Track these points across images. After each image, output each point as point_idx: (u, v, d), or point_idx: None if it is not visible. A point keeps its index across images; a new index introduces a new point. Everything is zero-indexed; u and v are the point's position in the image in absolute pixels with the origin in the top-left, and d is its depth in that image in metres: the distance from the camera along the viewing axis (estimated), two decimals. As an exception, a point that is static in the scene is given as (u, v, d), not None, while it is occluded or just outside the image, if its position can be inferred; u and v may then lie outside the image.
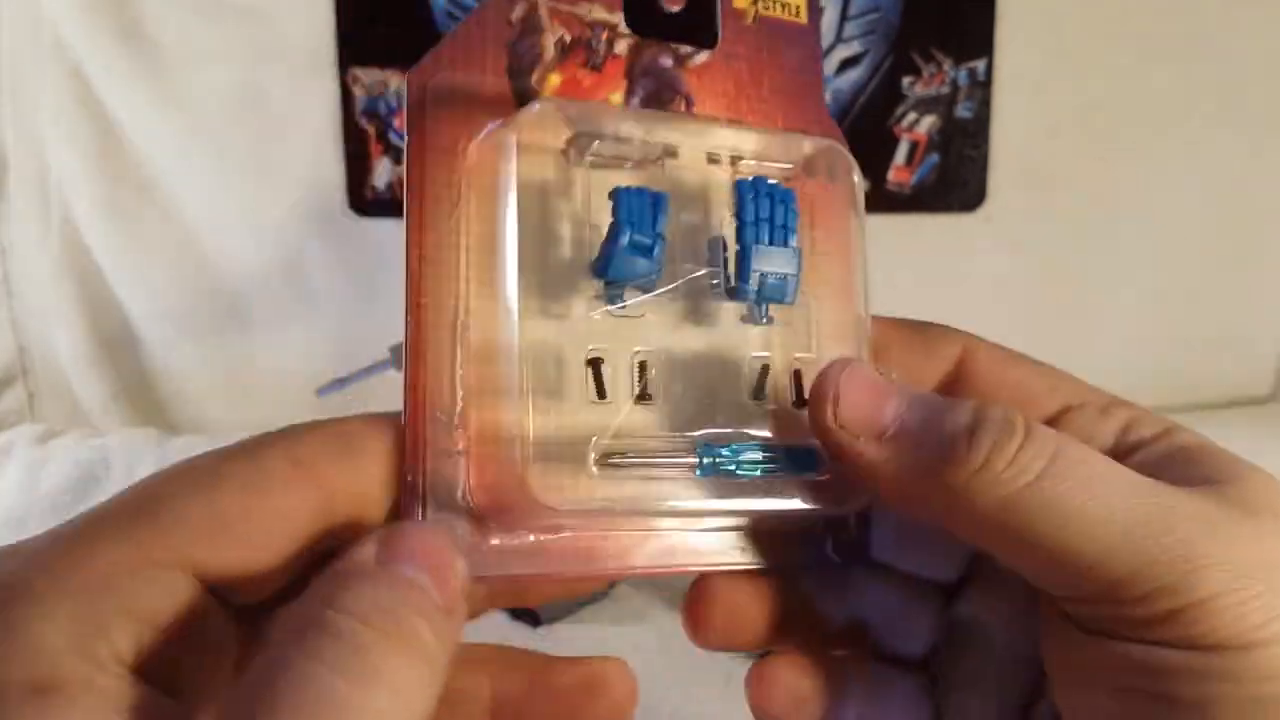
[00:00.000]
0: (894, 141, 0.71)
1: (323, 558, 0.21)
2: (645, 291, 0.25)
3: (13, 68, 0.72)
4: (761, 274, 0.25)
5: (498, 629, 0.53)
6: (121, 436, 0.71)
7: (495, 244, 0.24)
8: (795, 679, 0.29)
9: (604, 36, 0.26)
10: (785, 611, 0.29)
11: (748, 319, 0.27)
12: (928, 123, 0.71)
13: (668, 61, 0.27)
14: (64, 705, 0.16)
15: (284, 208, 0.73)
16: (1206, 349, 0.77)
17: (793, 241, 0.26)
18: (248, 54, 0.71)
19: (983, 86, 0.71)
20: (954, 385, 0.28)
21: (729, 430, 0.26)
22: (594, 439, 0.24)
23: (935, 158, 0.72)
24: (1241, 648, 0.20)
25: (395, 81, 0.71)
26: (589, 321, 0.25)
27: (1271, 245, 0.75)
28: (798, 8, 0.29)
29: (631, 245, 0.24)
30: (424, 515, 0.23)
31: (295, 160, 0.72)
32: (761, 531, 0.27)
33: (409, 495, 0.23)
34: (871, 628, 0.29)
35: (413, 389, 0.23)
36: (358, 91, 0.71)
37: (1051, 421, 0.26)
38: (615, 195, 0.24)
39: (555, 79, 0.26)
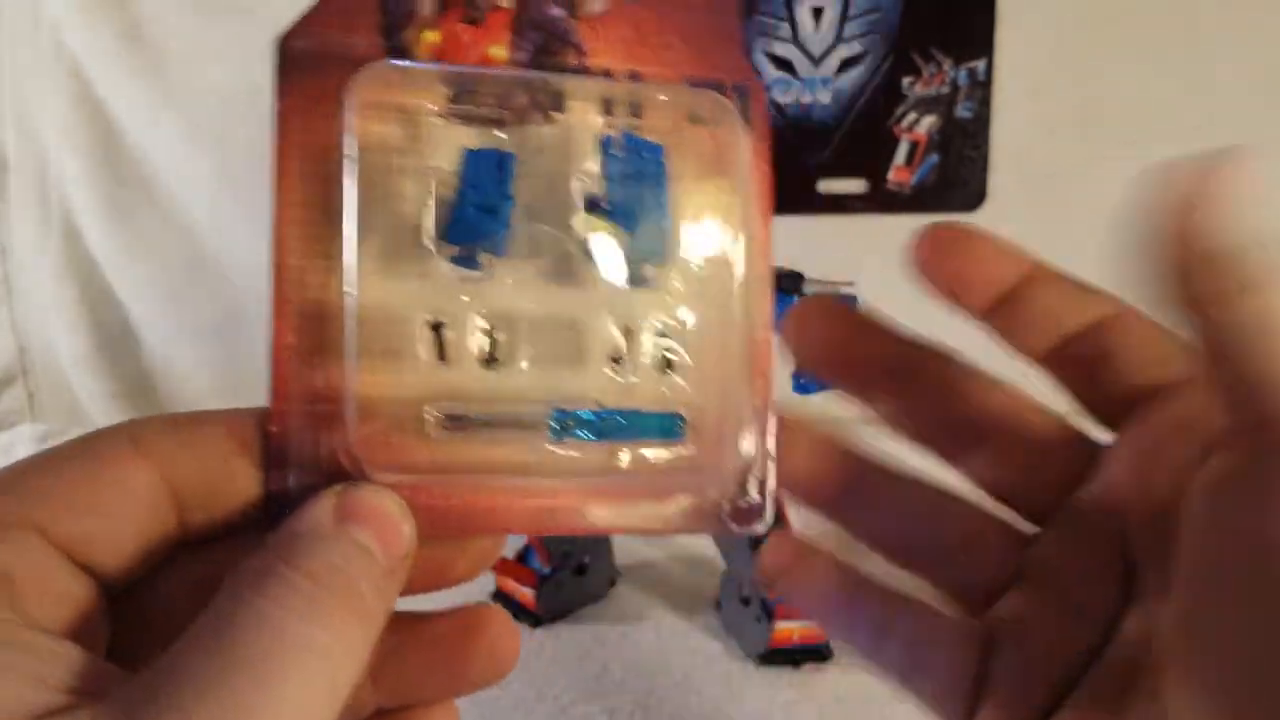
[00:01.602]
0: (894, 142, 0.72)
1: (185, 537, 0.22)
2: (496, 254, 0.25)
3: (14, 69, 0.73)
4: (628, 232, 0.25)
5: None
6: (122, 436, 0.71)
7: (339, 204, 0.24)
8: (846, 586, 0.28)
9: None
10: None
11: (620, 282, 0.26)
12: (928, 123, 0.71)
13: (557, 11, 0.26)
14: None
15: (284, 208, 0.73)
16: (1206, 349, 0.77)
17: (662, 200, 0.25)
18: (248, 54, 0.70)
19: (983, 87, 0.71)
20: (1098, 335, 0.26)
21: (584, 395, 0.25)
22: (432, 402, 0.24)
23: (935, 158, 0.72)
24: None
25: (395, 81, 0.71)
26: (437, 284, 0.25)
27: (1271, 245, 0.76)
28: None
29: (476, 207, 0.24)
30: (288, 477, 0.23)
31: (295, 160, 0.72)
32: (650, 498, 0.26)
33: (272, 454, 0.23)
34: (938, 552, 0.28)
35: (275, 349, 0.23)
36: (358, 91, 0.71)
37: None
38: (463, 156, 0.24)
39: (432, 35, 0.25)
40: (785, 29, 0.70)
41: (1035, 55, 0.71)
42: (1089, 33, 0.71)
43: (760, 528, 0.27)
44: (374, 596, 0.20)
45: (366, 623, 0.20)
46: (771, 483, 0.27)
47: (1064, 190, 0.73)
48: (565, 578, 0.55)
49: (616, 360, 0.26)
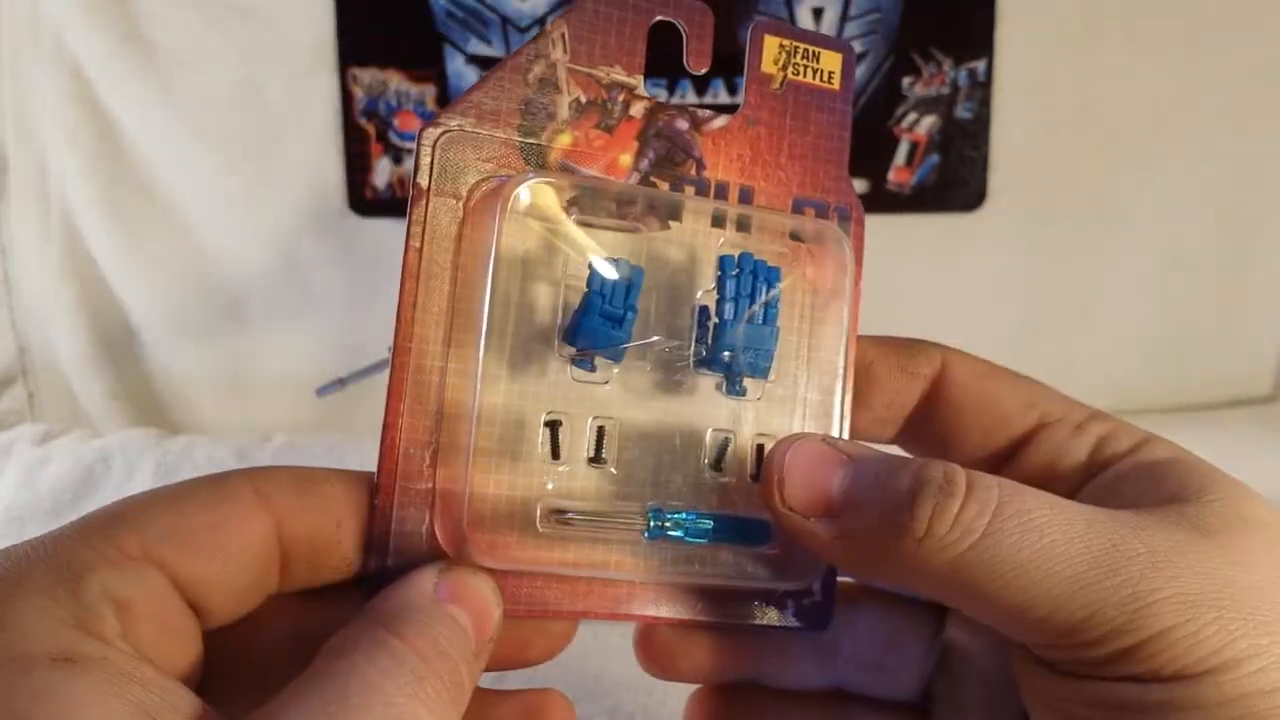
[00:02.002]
0: (894, 142, 0.72)
1: (282, 588, 0.23)
2: (615, 360, 0.26)
3: (13, 68, 0.73)
4: (734, 349, 0.26)
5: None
6: (121, 436, 0.71)
7: (472, 305, 0.25)
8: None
9: (620, 98, 0.27)
10: (747, 665, 0.30)
11: (726, 392, 0.27)
12: (928, 123, 0.71)
13: (683, 125, 0.27)
14: (83, 674, 0.18)
15: (284, 207, 0.73)
16: (1207, 349, 0.77)
17: (773, 319, 0.27)
18: (248, 54, 0.71)
19: (983, 87, 0.71)
20: (934, 402, 0.28)
21: (680, 500, 0.27)
22: (541, 499, 0.25)
23: (935, 158, 0.72)
24: (1199, 675, 0.20)
25: (395, 81, 0.71)
26: (556, 385, 0.26)
27: (1271, 245, 0.75)
28: (831, 74, 0.29)
29: (602, 316, 0.25)
30: (389, 548, 0.24)
31: (295, 160, 0.72)
32: (723, 588, 0.27)
33: (376, 527, 0.24)
34: (863, 669, 0.30)
35: (389, 428, 0.24)
36: (358, 91, 0.71)
37: (1027, 437, 0.27)
38: (590, 265, 0.25)
39: (566, 138, 0.26)
40: (785, 29, 0.70)
41: (1035, 56, 0.71)
42: (1089, 33, 0.71)
43: (823, 624, 0.28)
44: (468, 680, 0.22)
45: (460, 701, 0.21)
46: (834, 581, 0.28)
47: (1063, 190, 0.73)
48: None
49: (715, 468, 0.28)
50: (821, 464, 0.24)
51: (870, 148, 0.71)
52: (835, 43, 0.29)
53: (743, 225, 0.28)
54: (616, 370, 0.26)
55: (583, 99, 0.26)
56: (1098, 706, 0.22)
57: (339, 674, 0.20)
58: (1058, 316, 0.75)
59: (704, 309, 0.27)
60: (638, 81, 0.27)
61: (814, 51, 0.29)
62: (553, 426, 0.26)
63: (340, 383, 0.67)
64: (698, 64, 0.28)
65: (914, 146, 0.71)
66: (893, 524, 0.22)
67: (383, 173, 0.72)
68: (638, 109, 0.27)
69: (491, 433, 0.25)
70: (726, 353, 0.26)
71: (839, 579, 0.29)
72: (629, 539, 0.26)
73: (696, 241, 0.27)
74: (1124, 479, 0.24)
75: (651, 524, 0.26)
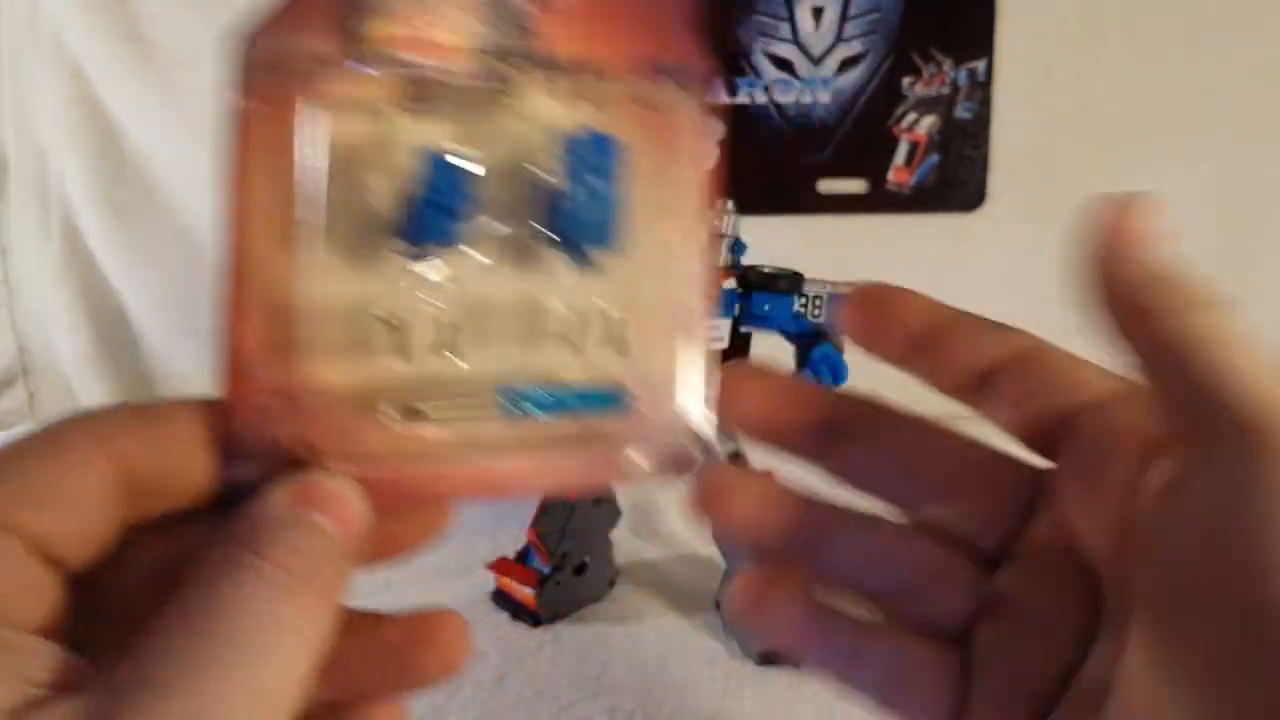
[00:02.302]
0: (894, 142, 0.72)
1: (138, 524, 0.23)
2: (450, 244, 0.25)
3: (13, 69, 0.73)
4: (578, 223, 0.26)
5: (496, 627, 0.54)
6: (122, 436, 0.71)
7: (303, 202, 0.24)
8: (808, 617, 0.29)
9: None
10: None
11: (571, 263, 0.27)
12: (928, 123, 0.71)
13: None
14: None
15: (284, 208, 0.73)
16: (1206, 349, 0.77)
17: (614, 191, 0.26)
18: (248, 54, 0.71)
19: (982, 87, 0.71)
20: (1015, 369, 0.27)
21: (532, 373, 0.27)
22: (387, 395, 0.25)
23: (935, 158, 0.72)
24: None
25: (395, 81, 0.71)
26: (394, 277, 0.25)
27: (1270, 245, 0.76)
28: None
29: (434, 208, 0.24)
30: (242, 459, 0.23)
31: (295, 160, 0.72)
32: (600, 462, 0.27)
33: (226, 440, 0.23)
34: (905, 590, 0.29)
35: (225, 334, 0.24)
36: (358, 92, 0.71)
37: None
38: (422, 157, 0.25)
39: (389, 25, 0.25)
40: (785, 29, 0.70)
41: (1035, 56, 0.71)
42: (1088, 34, 0.71)
43: (688, 474, 0.28)
44: (334, 575, 0.22)
45: (330, 600, 0.21)
46: (705, 431, 0.28)
47: (1063, 190, 0.73)
48: (565, 577, 0.55)
49: (566, 340, 0.27)
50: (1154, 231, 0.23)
51: (870, 148, 0.71)
52: None
53: (584, 97, 0.27)
54: (456, 257, 0.26)
55: None
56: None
57: (202, 599, 0.20)
58: (1057, 316, 0.75)
59: (544, 187, 0.26)
60: None
61: None
62: (392, 319, 0.26)
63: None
64: None
65: (914, 146, 0.71)
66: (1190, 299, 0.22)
67: (383, 173, 0.72)
68: None
69: (330, 329, 0.24)
70: (569, 227, 0.26)
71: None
72: (483, 422, 0.26)
73: (535, 119, 0.27)
74: None
75: (503, 401, 0.26)
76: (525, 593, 0.54)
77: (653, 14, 0.28)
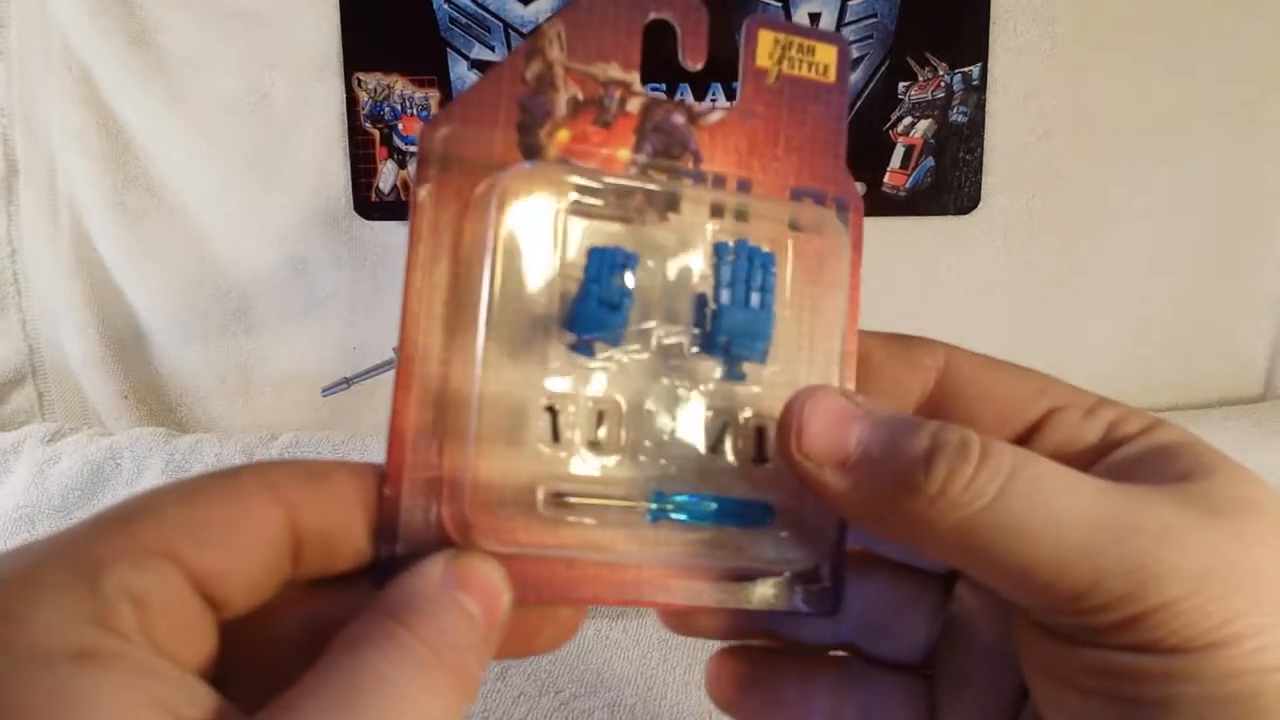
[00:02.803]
0: (890, 145, 0.73)
1: (294, 578, 0.23)
2: (614, 345, 0.26)
3: (22, 73, 0.73)
4: (731, 333, 0.26)
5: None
6: (130, 435, 0.71)
7: (471, 295, 0.25)
8: (781, 678, 0.30)
9: (617, 95, 0.27)
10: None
11: (724, 376, 0.28)
12: (923, 127, 0.72)
13: (679, 119, 0.28)
14: (103, 669, 0.18)
15: (290, 210, 0.74)
16: (1198, 349, 0.78)
17: (768, 304, 0.27)
18: (254, 59, 0.71)
19: (977, 91, 0.72)
20: (940, 396, 0.28)
21: (681, 483, 0.27)
22: (542, 483, 0.26)
23: (930, 161, 0.73)
24: (1200, 649, 0.21)
25: (399, 86, 0.72)
26: (555, 372, 0.26)
27: (1260, 247, 0.76)
28: (826, 66, 0.29)
29: (598, 302, 0.25)
30: (398, 537, 0.24)
31: (301, 164, 0.73)
32: (732, 575, 0.28)
33: (385, 516, 0.24)
34: (868, 632, 0.30)
35: (396, 416, 0.25)
36: (362, 96, 0.72)
37: (1038, 424, 0.27)
38: (588, 254, 0.26)
39: (564, 135, 0.27)
40: (783, 34, 0.71)
41: (1029, 60, 0.72)
42: (1082, 38, 0.72)
43: (830, 611, 0.28)
44: (473, 661, 0.22)
45: (469, 689, 0.22)
46: (844, 568, 0.28)
47: (1057, 193, 0.74)
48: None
49: (714, 450, 0.28)
50: (839, 416, 0.24)
51: (866, 151, 0.72)
52: (830, 36, 0.29)
53: (740, 215, 0.28)
54: (615, 356, 0.27)
55: (579, 96, 0.27)
56: (1097, 674, 0.22)
57: (349, 666, 0.20)
58: (1050, 318, 0.76)
59: (701, 296, 0.27)
60: (634, 78, 0.27)
61: (809, 45, 0.29)
62: (552, 412, 0.26)
63: (346, 382, 0.68)
64: (693, 59, 0.28)
65: (909, 150, 0.72)
66: (907, 482, 0.22)
67: (387, 176, 0.73)
68: (634, 104, 0.27)
69: (493, 419, 0.25)
70: (723, 337, 0.27)
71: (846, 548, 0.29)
72: (631, 522, 0.26)
73: (694, 231, 0.28)
74: (1134, 460, 0.25)
75: (654, 506, 0.26)
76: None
77: (805, 140, 0.29)
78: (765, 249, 0.27)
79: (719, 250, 0.27)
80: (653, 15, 0.28)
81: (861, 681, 0.30)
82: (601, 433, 0.27)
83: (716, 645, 0.54)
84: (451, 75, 0.72)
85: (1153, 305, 0.76)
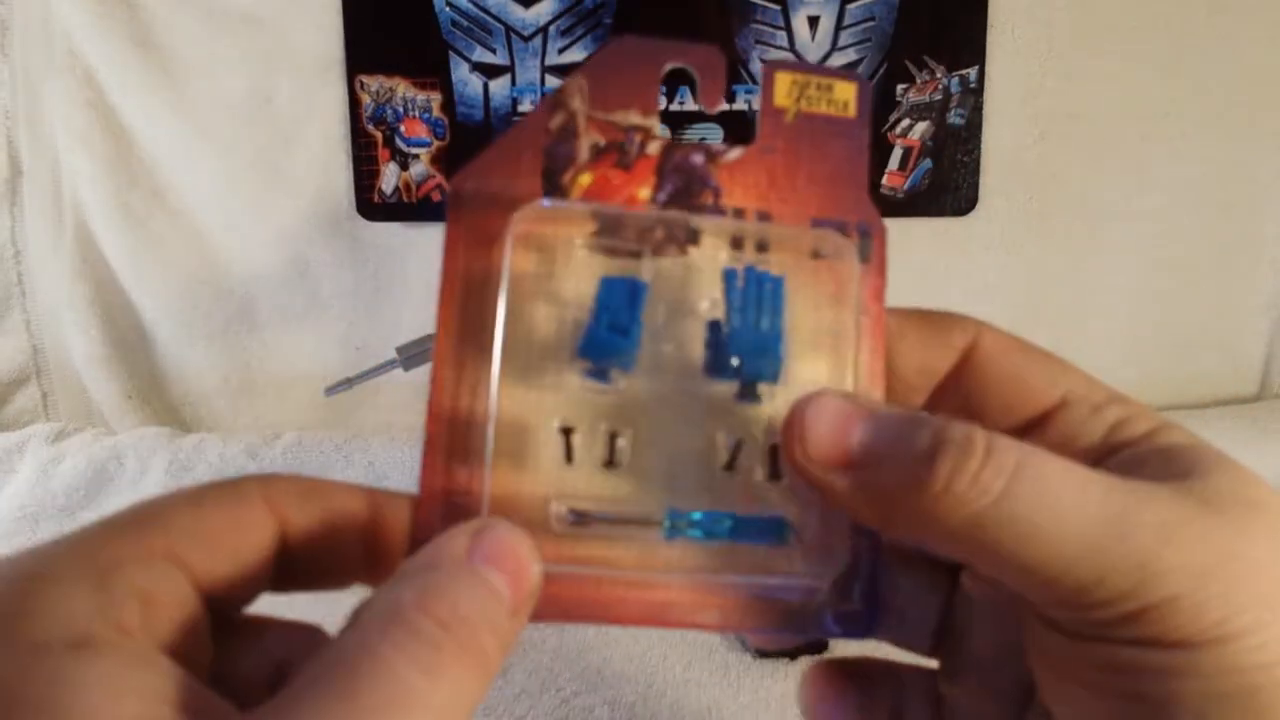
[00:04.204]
0: (888, 147, 0.73)
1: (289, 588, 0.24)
2: (627, 370, 0.27)
3: (26, 75, 0.74)
4: (741, 355, 0.27)
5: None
6: (134, 435, 0.72)
7: (490, 325, 0.26)
8: (843, 684, 0.31)
9: (637, 139, 0.28)
10: None
11: (738, 398, 0.28)
12: (921, 129, 0.73)
13: (699, 159, 0.28)
14: (98, 658, 0.19)
15: (293, 212, 0.74)
16: (1194, 350, 0.78)
17: (778, 326, 0.27)
18: (257, 61, 0.72)
19: (974, 94, 0.73)
20: (960, 375, 0.29)
21: (696, 498, 0.27)
22: (556, 499, 0.26)
23: (928, 163, 0.73)
24: (1202, 644, 0.21)
25: (402, 89, 0.72)
26: (570, 396, 0.27)
27: (1257, 248, 0.77)
28: (845, 103, 0.30)
29: (609, 327, 0.26)
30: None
31: (304, 165, 0.74)
32: (760, 600, 0.28)
33: (416, 535, 0.25)
34: (888, 614, 0.30)
35: (429, 442, 0.26)
36: (365, 98, 0.72)
37: (1045, 416, 0.27)
38: (600, 282, 0.27)
39: (586, 179, 0.28)
40: (782, 37, 0.72)
41: (1026, 62, 0.72)
42: (1078, 40, 0.72)
43: (862, 634, 0.28)
44: (495, 646, 0.21)
45: (485, 676, 0.21)
46: (875, 591, 0.28)
47: (1054, 195, 0.74)
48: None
49: (728, 469, 0.28)
50: (842, 418, 0.24)
51: (865, 153, 0.72)
52: (848, 75, 0.30)
53: (761, 247, 0.29)
54: (628, 379, 0.27)
55: (601, 142, 0.28)
56: (1101, 668, 0.22)
57: (350, 653, 0.19)
58: (1047, 319, 0.76)
59: (715, 322, 0.28)
60: (653, 123, 0.28)
61: (826, 83, 0.29)
62: (566, 433, 0.27)
63: (348, 383, 0.68)
64: (710, 103, 0.29)
65: (907, 152, 0.73)
66: (912, 479, 0.22)
67: (390, 178, 0.73)
68: (654, 147, 0.28)
69: (508, 442, 0.26)
70: (734, 359, 0.27)
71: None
72: (647, 539, 0.27)
73: (711, 264, 0.29)
74: (1137, 461, 0.25)
75: (669, 523, 0.27)
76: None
77: (827, 174, 0.30)
78: (773, 272, 0.28)
79: (727, 276, 0.28)
80: (670, 65, 0.28)
81: (886, 675, 0.31)
82: (616, 453, 0.27)
83: (712, 642, 0.54)
84: (453, 78, 0.72)
85: (1149, 306, 0.77)
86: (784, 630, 0.28)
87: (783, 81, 0.29)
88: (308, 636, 0.25)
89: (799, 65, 0.30)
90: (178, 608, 0.21)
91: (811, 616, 0.28)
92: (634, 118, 0.28)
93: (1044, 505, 0.22)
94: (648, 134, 0.28)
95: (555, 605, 0.26)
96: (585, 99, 0.28)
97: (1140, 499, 0.22)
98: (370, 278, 0.75)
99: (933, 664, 0.30)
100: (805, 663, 0.52)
